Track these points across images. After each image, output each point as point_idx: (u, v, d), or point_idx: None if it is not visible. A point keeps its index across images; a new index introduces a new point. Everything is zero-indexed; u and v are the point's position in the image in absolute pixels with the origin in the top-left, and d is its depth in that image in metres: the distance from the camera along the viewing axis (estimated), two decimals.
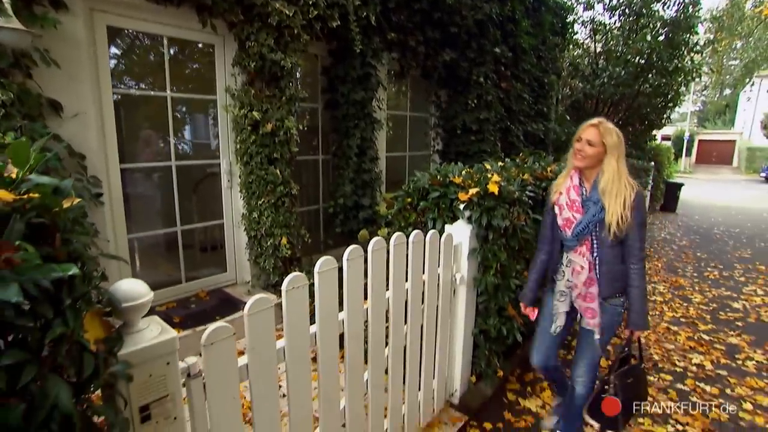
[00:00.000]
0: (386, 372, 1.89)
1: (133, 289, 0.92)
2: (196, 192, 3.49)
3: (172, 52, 3.15)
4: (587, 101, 8.65)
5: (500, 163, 2.99)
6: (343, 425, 1.64)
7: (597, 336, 1.92)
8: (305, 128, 4.29)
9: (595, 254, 1.86)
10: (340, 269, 1.50)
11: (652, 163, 9.41)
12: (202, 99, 3.37)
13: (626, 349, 1.96)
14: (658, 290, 4.81)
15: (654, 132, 11.26)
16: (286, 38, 3.23)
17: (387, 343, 1.84)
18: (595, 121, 1.83)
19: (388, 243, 1.70)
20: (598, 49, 9.20)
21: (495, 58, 5.48)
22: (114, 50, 2.85)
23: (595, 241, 1.85)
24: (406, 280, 1.87)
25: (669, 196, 11.37)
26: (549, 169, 3.09)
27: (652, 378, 2.91)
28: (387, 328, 1.81)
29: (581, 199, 1.86)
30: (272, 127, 3.27)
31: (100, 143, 2.69)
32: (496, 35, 5.42)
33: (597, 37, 9.15)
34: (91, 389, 0.66)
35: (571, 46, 8.63)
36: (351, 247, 1.53)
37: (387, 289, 1.76)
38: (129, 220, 2.99)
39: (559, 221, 1.91)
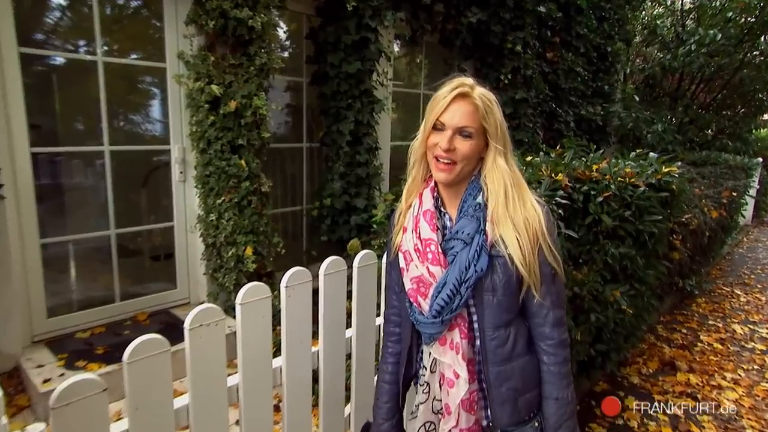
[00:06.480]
0: None
1: None
2: (139, 186, 3.50)
3: (103, 4, 3.13)
4: (666, 76, 8.39)
5: (528, 158, 2.88)
6: None
7: None
8: (284, 108, 4.29)
9: (477, 344, 1.22)
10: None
11: (759, 159, 9.04)
12: (146, 66, 3.39)
13: None
14: (760, 335, 4.56)
15: (766, 117, 10.84)
16: None
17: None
18: (465, 85, 1.14)
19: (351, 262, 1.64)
20: (687, 6, 8.92)
21: (539, 20, 5.37)
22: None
23: (475, 319, 1.22)
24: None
25: None
26: (595, 167, 2.98)
27: None
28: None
29: (438, 238, 1.21)
30: (237, 105, 3.25)
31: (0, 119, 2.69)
32: None
33: None
34: None
35: (648, 3, 8.38)
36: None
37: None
38: (43, 221, 3.00)
39: (407, 284, 1.24)
